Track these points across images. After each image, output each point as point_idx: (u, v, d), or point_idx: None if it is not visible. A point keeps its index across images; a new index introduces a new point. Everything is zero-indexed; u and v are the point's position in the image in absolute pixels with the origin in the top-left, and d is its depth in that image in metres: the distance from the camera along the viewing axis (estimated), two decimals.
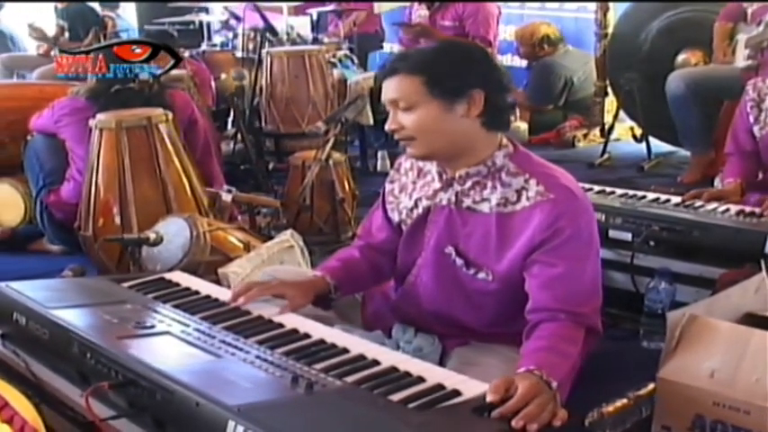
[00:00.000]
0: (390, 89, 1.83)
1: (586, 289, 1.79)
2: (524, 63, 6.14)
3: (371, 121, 4.56)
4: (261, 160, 4.93)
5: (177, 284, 2.05)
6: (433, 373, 1.51)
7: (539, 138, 5.74)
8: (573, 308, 1.75)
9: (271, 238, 3.01)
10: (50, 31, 7.09)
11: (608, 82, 5.43)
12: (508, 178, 1.83)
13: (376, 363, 1.55)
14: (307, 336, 1.70)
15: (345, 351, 1.61)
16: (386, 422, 1.32)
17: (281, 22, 6.08)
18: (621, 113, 5.32)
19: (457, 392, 1.43)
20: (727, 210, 2.68)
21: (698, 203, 2.75)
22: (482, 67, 1.83)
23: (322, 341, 1.66)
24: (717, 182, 3.64)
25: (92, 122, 3.24)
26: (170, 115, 3.34)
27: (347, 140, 4.97)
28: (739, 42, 4.26)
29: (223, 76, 5.33)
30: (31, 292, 1.88)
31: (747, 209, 2.67)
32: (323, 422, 1.32)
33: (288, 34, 5.91)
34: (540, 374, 1.53)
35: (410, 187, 2.01)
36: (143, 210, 3.15)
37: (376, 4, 6.64)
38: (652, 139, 5.07)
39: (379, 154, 5.05)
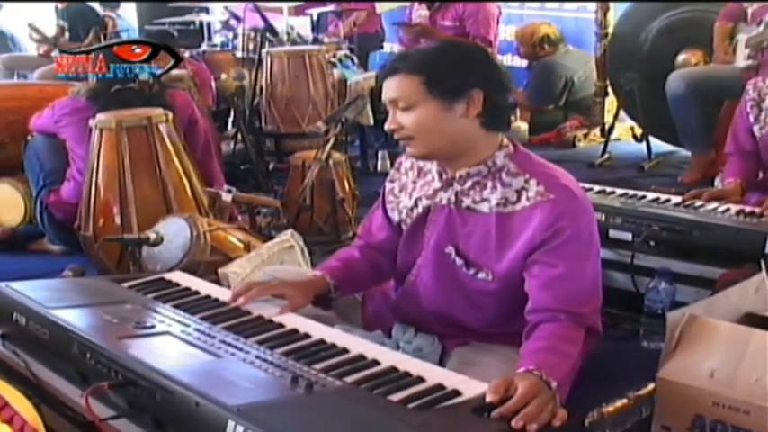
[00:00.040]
0: (390, 89, 1.83)
1: (586, 289, 1.79)
2: (524, 63, 6.14)
3: (372, 121, 4.55)
4: (261, 160, 4.93)
5: (177, 284, 2.05)
6: (432, 373, 1.51)
7: (539, 138, 5.74)
8: (573, 308, 1.74)
9: (271, 238, 3.01)
10: (50, 31, 7.10)
11: (608, 82, 5.43)
12: (508, 178, 1.83)
13: (376, 363, 1.55)
14: (307, 336, 1.70)
15: (345, 351, 1.61)
16: (386, 422, 1.32)
17: (281, 23, 6.08)
18: (622, 113, 5.32)
19: (457, 392, 1.43)
20: (728, 210, 2.68)
21: (698, 203, 2.75)
22: (482, 68, 1.83)
23: (322, 341, 1.66)
24: (717, 182, 3.64)
25: (92, 122, 3.24)
26: (170, 115, 3.34)
27: (347, 140, 4.98)
28: (739, 42, 4.25)
29: (223, 76, 5.33)
30: (31, 292, 1.88)
31: (747, 209, 2.66)
32: (323, 422, 1.32)
33: (288, 34, 5.92)
34: (540, 374, 1.53)
35: (410, 187, 2.01)
36: (143, 210, 3.15)
37: (377, 4, 6.64)
38: (652, 139, 5.07)
39: (380, 154, 5.04)
